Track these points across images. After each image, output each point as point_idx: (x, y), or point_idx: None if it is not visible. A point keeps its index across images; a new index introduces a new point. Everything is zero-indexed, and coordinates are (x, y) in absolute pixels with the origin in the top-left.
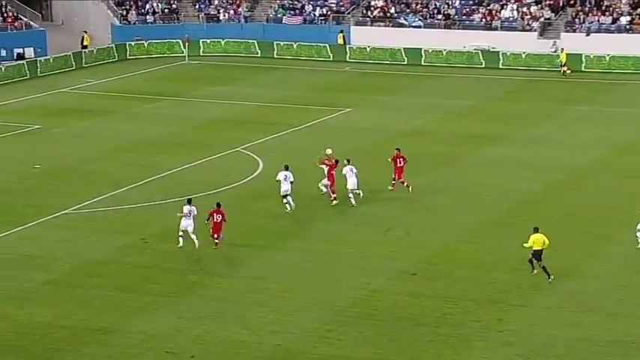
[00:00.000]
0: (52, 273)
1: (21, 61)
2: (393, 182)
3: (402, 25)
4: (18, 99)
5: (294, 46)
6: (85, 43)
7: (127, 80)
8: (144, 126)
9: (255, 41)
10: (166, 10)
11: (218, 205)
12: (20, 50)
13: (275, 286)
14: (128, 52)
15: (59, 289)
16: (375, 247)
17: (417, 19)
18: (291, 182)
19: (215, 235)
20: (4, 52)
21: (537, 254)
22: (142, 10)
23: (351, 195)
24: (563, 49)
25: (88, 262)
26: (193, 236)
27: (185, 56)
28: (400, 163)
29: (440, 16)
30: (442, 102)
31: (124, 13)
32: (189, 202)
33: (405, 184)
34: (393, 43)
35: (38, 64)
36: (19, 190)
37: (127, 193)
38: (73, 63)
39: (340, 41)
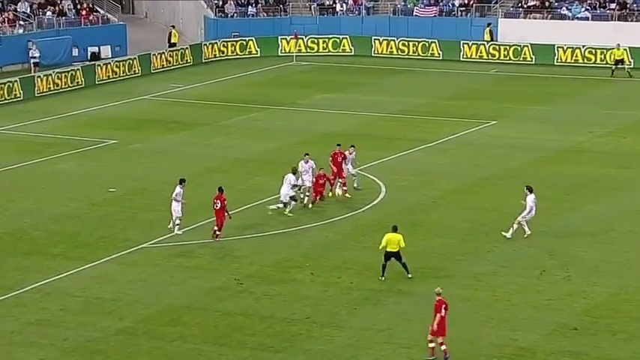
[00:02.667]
0: (126, 320)
1: (96, 62)
2: (344, 186)
3: (563, 17)
4: (91, 108)
5: (426, 43)
6: (172, 40)
7: (221, 86)
8: (240, 141)
9: (379, 38)
10: (271, 1)
11: (220, 190)
12: (95, 49)
13: (397, 340)
14: (223, 51)
15: (134, 340)
16: (525, 294)
17: (583, 9)
18: (295, 185)
19: (215, 227)
20: (76, 52)
21: (391, 256)
22: (242, 1)
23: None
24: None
25: (171, 308)
26: (171, 225)
27: (293, 56)
28: (339, 159)
29: (613, 5)
30: (614, 113)
31: (220, 4)
32: (181, 182)
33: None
34: (551, 39)
35: (116, 66)
36: (90, 219)
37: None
38: (158, 64)
39: (487, 37)
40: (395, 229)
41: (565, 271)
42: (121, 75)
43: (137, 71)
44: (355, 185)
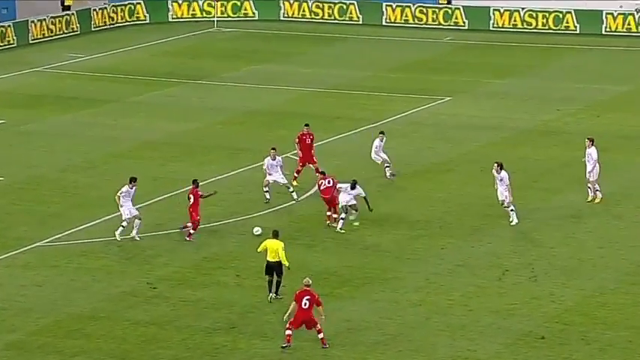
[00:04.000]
0: (17, 332)
1: None
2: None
3: None
4: None
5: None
6: (66, 2)
7: (128, 55)
8: (152, 121)
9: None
10: None
11: (195, 183)
12: None
13: (336, 353)
14: (130, 15)
15: (27, 356)
16: (485, 297)
17: None
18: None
19: (188, 224)
20: None
21: (272, 268)
22: None
23: None
24: None
25: (71, 317)
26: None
27: (214, 21)
28: (308, 141)
29: None
30: (585, 87)
31: None
32: (131, 182)
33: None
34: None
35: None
36: None
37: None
38: (53, 30)
39: None
40: (276, 235)
41: (530, 271)
42: (11, 42)
43: (30, 38)
44: (389, 175)
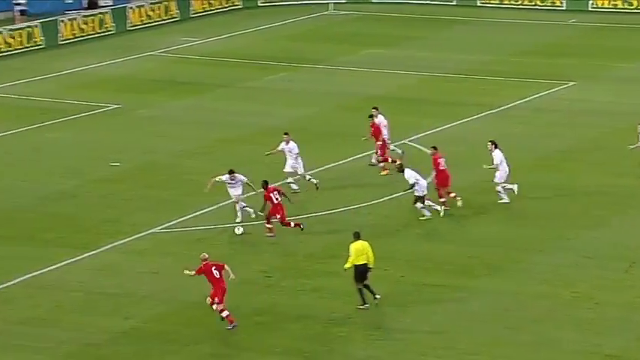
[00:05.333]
0: (133, 319)
1: (96, 11)
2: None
3: None
4: (91, 65)
5: None
6: None
7: (243, 40)
8: (266, 106)
9: None
10: None
11: (265, 183)
12: None
13: (461, 347)
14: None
15: (143, 344)
16: (611, 290)
17: None
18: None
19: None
20: None
21: (363, 273)
22: None
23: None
24: None
25: (185, 305)
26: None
27: (328, 4)
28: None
29: None
30: None
31: None
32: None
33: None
34: None
35: (120, 15)
36: (90, 199)
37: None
38: (174, 14)
39: None
40: (358, 237)
41: None
42: (129, 26)
43: (146, 21)
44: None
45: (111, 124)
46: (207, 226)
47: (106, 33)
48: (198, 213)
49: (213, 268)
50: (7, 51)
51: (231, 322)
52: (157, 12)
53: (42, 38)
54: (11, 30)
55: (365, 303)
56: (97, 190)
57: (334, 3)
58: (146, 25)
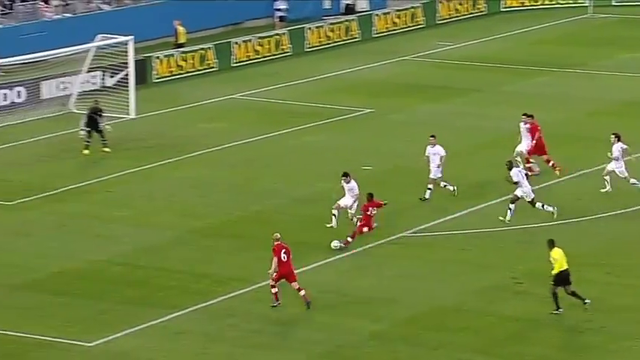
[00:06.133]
0: (381, 323)
1: (350, 16)
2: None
3: None
4: (344, 70)
5: None
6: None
7: (499, 44)
8: (518, 111)
9: None
10: None
11: (370, 195)
12: (349, 0)
13: (593, 339)
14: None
15: (391, 346)
16: None
17: None
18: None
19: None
20: (328, 4)
21: (564, 277)
22: None
23: None
24: None
25: (434, 309)
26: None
27: (588, 6)
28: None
29: None
30: None
31: None
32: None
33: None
34: None
35: (373, 21)
36: (334, 201)
37: (497, 207)
38: (423, 19)
39: None
40: (552, 244)
41: None
42: (380, 31)
43: (399, 26)
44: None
45: (364, 128)
46: (454, 231)
47: (352, 40)
48: (449, 217)
49: (283, 251)
50: (255, 58)
51: (276, 300)
52: (403, 19)
53: (289, 46)
54: (260, 38)
55: (559, 308)
56: None
57: (594, 6)
58: (390, 32)
